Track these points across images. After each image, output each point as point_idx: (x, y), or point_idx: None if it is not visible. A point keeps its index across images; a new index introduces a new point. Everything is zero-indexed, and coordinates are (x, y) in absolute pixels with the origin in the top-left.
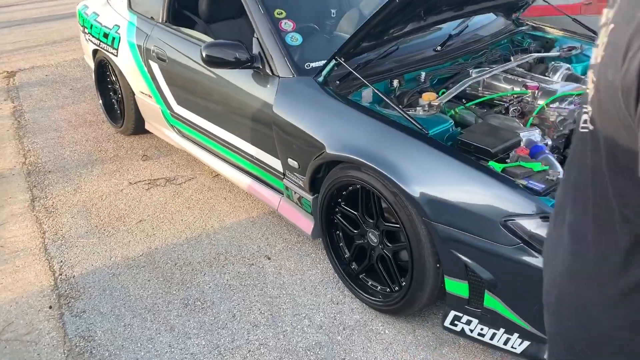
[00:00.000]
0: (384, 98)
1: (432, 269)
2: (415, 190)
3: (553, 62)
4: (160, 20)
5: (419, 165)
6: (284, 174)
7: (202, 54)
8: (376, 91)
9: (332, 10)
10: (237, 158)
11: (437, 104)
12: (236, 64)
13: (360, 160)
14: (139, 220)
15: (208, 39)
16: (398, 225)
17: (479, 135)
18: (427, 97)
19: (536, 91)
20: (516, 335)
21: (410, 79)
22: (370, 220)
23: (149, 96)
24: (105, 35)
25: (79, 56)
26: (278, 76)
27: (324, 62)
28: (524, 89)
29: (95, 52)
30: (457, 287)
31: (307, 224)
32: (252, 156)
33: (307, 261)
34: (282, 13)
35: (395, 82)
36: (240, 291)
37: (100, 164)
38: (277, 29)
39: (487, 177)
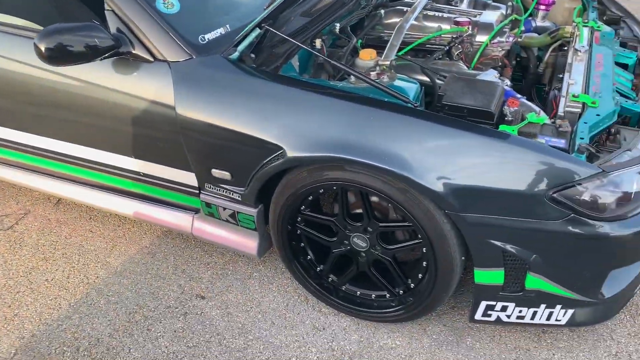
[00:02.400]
0: (346, 69)
1: (459, 265)
2: (431, 182)
3: None
4: None
5: (426, 149)
6: (199, 189)
7: (38, 48)
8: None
9: None
10: (110, 179)
11: (387, 63)
12: (94, 54)
13: (348, 157)
14: None
15: (28, 24)
16: (406, 224)
17: (461, 94)
18: (367, 55)
19: (469, 27)
20: (559, 307)
21: (328, 35)
22: (356, 224)
23: None
24: None
25: None
26: (166, 61)
27: (221, 30)
28: (454, 26)
29: None
30: (490, 276)
31: (248, 242)
32: (139, 173)
33: (253, 285)
34: None
35: (318, 43)
36: (194, 356)
37: None
38: None
39: (515, 147)
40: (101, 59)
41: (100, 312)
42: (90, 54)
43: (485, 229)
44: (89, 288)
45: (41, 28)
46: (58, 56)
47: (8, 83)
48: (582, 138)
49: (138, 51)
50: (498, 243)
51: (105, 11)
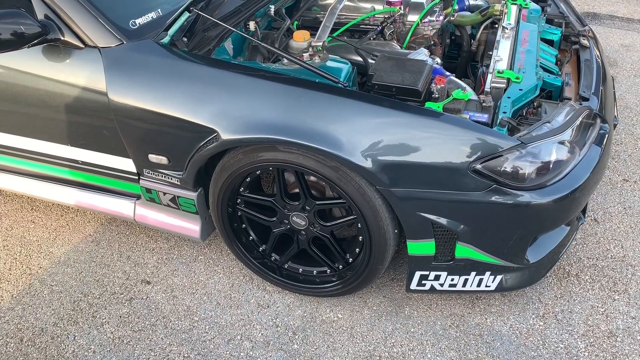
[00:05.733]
0: (277, 51)
1: (392, 238)
2: (361, 159)
3: None
4: None
5: (356, 128)
6: (138, 175)
7: None
8: (262, 44)
9: None
10: (48, 168)
11: (320, 44)
12: (21, 42)
13: (280, 138)
14: None
15: None
16: (340, 201)
17: (390, 73)
18: (301, 36)
19: (401, 7)
20: (488, 273)
21: (263, 18)
22: (295, 203)
23: None
24: None
25: None
26: (96, 47)
27: (152, 15)
28: (386, 6)
29: None
30: (421, 247)
31: (190, 226)
32: (77, 162)
33: (199, 268)
34: None
35: (252, 25)
36: (140, 340)
37: None
38: None
39: (440, 123)
40: (29, 47)
41: (44, 302)
42: (16, 42)
43: (414, 202)
44: (32, 279)
45: None
46: None
47: None
48: (504, 112)
49: (68, 38)
50: (427, 215)
51: None
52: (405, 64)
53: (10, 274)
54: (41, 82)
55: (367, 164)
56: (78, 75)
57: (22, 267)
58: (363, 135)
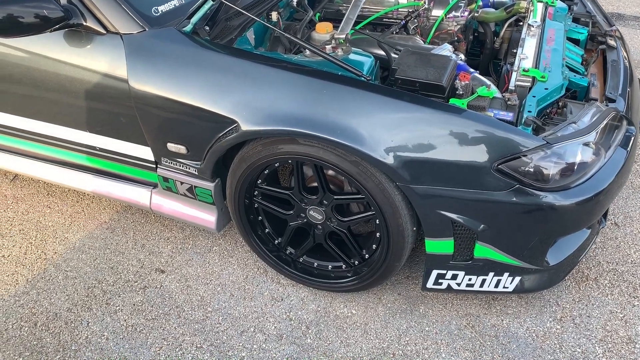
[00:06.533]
0: (300, 42)
1: (410, 235)
2: (382, 154)
3: None
4: None
5: (379, 123)
6: (156, 163)
7: None
8: (286, 34)
9: None
10: (66, 154)
11: (343, 36)
12: (44, 25)
13: (301, 131)
14: None
15: None
16: (359, 197)
17: (414, 68)
18: (323, 28)
19: (425, 1)
20: (506, 274)
21: (285, 8)
22: (312, 197)
23: None
24: None
25: None
26: (118, 33)
27: (174, 2)
28: (410, 0)
29: None
30: (440, 246)
31: (206, 216)
32: (95, 148)
33: (213, 259)
34: None
35: (275, 16)
36: (153, 329)
37: None
38: None
39: (464, 120)
40: (51, 31)
41: (59, 288)
42: (40, 25)
43: (434, 200)
44: (47, 264)
45: None
46: (7, 27)
47: None
48: (529, 111)
49: (90, 23)
50: (447, 213)
51: None
52: (429, 59)
53: (26, 258)
54: (61, 67)
55: (389, 159)
56: (99, 61)
57: (37, 251)
58: (385, 130)
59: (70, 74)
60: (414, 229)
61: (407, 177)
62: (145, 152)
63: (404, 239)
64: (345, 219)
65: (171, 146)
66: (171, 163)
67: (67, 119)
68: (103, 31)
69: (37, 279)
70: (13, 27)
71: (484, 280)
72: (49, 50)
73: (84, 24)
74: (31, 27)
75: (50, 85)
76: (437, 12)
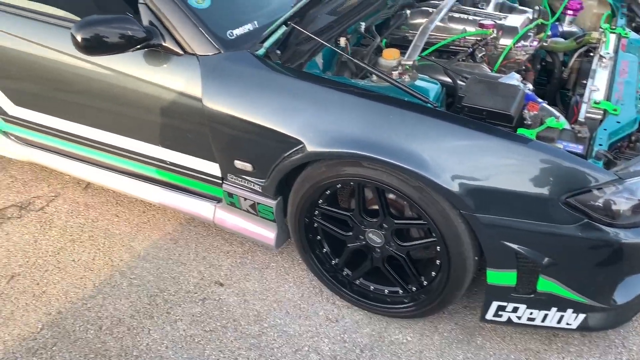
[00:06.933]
0: (368, 68)
1: (472, 265)
2: (447, 181)
3: None
4: None
5: (444, 149)
6: (222, 179)
7: (75, 38)
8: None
9: None
10: (137, 166)
11: (410, 63)
12: (127, 45)
13: (365, 154)
14: (8, 277)
15: (66, 15)
16: (420, 222)
17: (481, 96)
18: (390, 55)
19: (494, 30)
20: (570, 311)
21: (353, 34)
22: (372, 220)
23: None
24: None
25: None
26: (195, 54)
27: (249, 26)
28: (478, 28)
29: None
30: (502, 277)
31: (266, 233)
32: (165, 162)
33: (270, 275)
34: None
35: (343, 41)
36: (210, 340)
37: None
38: None
39: (532, 151)
40: (133, 50)
41: (123, 294)
42: (123, 45)
43: (499, 230)
44: (113, 270)
45: (78, 19)
46: (94, 46)
47: (45, 71)
48: (600, 145)
49: (168, 44)
50: (511, 245)
51: (139, 4)
52: (497, 88)
53: (94, 264)
54: (140, 84)
55: (454, 186)
56: (175, 80)
57: (105, 258)
58: (451, 157)
59: (147, 91)
60: (476, 258)
61: (472, 205)
62: (213, 168)
63: (466, 267)
64: (405, 244)
65: (238, 163)
66: (237, 179)
67: (141, 133)
68: (180, 52)
69: (104, 284)
70: (99, 46)
71: (546, 315)
72: (129, 68)
73: (163, 44)
74: (115, 46)
75: (128, 100)
76: (506, 41)
